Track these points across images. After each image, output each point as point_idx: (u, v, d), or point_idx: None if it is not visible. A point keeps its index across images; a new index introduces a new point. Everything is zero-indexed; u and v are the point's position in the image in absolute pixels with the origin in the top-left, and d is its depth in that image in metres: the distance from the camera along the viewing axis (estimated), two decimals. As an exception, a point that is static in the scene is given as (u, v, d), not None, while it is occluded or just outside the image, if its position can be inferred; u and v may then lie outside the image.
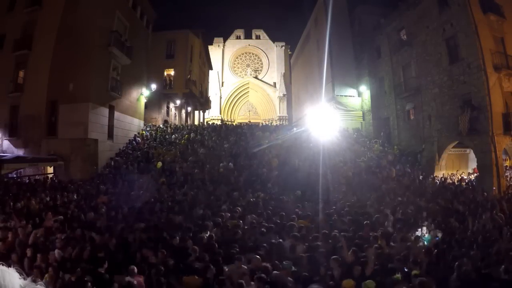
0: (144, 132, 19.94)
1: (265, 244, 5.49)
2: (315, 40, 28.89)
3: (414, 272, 4.36)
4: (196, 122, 31.34)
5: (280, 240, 5.79)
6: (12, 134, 15.11)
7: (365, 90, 23.10)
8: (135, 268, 4.42)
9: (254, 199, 9.43)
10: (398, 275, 4.31)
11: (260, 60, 54.98)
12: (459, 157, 17.93)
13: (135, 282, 4.13)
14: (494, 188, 12.29)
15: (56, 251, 5.37)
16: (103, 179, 12.89)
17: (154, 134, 19.78)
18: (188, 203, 9.08)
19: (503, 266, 4.74)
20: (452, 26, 14.55)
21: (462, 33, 13.99)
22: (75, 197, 10.04)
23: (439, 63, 15.59)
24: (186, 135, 19.00)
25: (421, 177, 13.82)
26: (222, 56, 53.93)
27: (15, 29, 15.49)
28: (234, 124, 28.81)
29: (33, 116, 14.51)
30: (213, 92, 47.44)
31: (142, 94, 20.57)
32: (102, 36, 15.26)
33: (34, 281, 1.17)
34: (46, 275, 4.50)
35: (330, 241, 5.86)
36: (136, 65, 18.76)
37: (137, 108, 19.91)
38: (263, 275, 4.11)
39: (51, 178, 13.71)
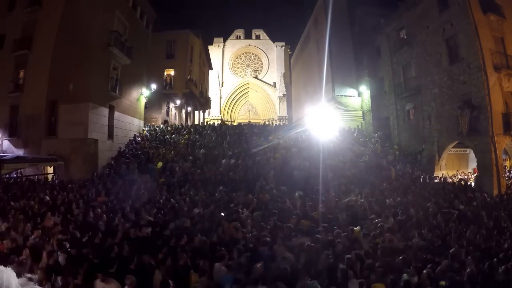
0: (144, 132, 19.95)
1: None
2: (315, 40, 28.89)
3: None
4: (196, 122, 31.33)
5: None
6: (12, 134, 15.10)
7: (365, 90, 23.10)
8: (132, 277, 4.25)
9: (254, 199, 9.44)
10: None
11: (260, 60, 55.00)
12: (459, 157, 17.94)
13: None
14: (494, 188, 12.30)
15: (59, 253, 5.37)
16: (103, 179, 12.88)
17: (154, 134, 19.78)
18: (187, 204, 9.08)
19: (503, 266, 4.73)
20: (452, 26, 14.55)
21: (462, 33, 13.99)
22: (75, 197, 10.03)
23: (439, 63, 15.58)
24: (186, 135, 19.00)
25: (422, 177, 13.81)
26: (222, 56, 53.95)
27: (15, 29, 15.48)
28: (234, 124, 28.81)
29: (33, 116, 14.50)
30: (213, 92, 47.44)
31: (142, 94, 20.57)
32: (102, 36, 15.24)
33: (31, 280, 1.17)
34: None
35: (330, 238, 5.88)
36: (136, 65, 18.75)
37: (137, 108, 19.90)
38: None
39: (51, 178, 13.73)
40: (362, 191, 10.64)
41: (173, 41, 26.90)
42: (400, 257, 5.08)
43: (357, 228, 4.01)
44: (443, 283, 4.31)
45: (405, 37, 18.66)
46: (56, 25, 14.68)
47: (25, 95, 14.94)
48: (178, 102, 27.30)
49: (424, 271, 4.53)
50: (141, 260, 4.97)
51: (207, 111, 39.68)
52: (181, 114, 28.95)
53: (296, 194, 9.87)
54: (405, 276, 4.39)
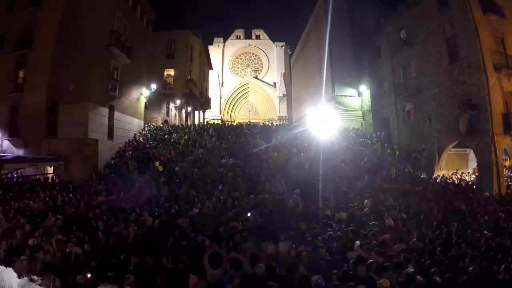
0: (144, 132, 19.94)
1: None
2: (315, 40, 28.89)
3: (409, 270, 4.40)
4: (196, 122, 31.33)
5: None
6: (12, 134, 15.10)
7: (365, 90, 23.10)
8: (132, 276, 4.29)
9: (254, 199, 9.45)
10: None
11: (260, 60, 54.99)
12: (459, 157, 17.92)
13: None
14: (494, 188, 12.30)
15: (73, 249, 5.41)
16: (103, 179, 12.88)
17: (154, 134, 19.78)
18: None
19: (504, 266, 4.73)
20: (452, 26, 14.55)
21: (462, 33, 13.99)
22: (75, 197, 10.03)
23: (439, 63, 15.58)
24: (186, 135, 18.98)
25: (422, 177, 13.81)
26: (222, 56, 53.94)
27: (15, 29, 15.48)
28: (234, 124, 28.78)
29: (33, 116, 14.49)
30: (213, 92, 47.42)
31: (142, 94, 20.56)
32: (102, 36, 15.24)
33: (32, 280, 1.17)
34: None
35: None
36: (136, 65, 18.74)
37: (137, 108, 19.90)
38: None
39: (51, 178, 13.72)
40: (362, 191, 10.64)
41: (173, 41, 26.91)
42: (402, 255, 5.10)
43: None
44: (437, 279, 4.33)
45: (405, 37, 18.65)
46: (56, 25, 14.69)
47: (25, 95, 14.94)
48: (178, 102, 27.30)
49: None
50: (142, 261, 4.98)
51: (207, 111, 39.66)
52: (181, 114, 28.95)
53: (295, 194, 9.85)
54: (409, 269, 4.43)
